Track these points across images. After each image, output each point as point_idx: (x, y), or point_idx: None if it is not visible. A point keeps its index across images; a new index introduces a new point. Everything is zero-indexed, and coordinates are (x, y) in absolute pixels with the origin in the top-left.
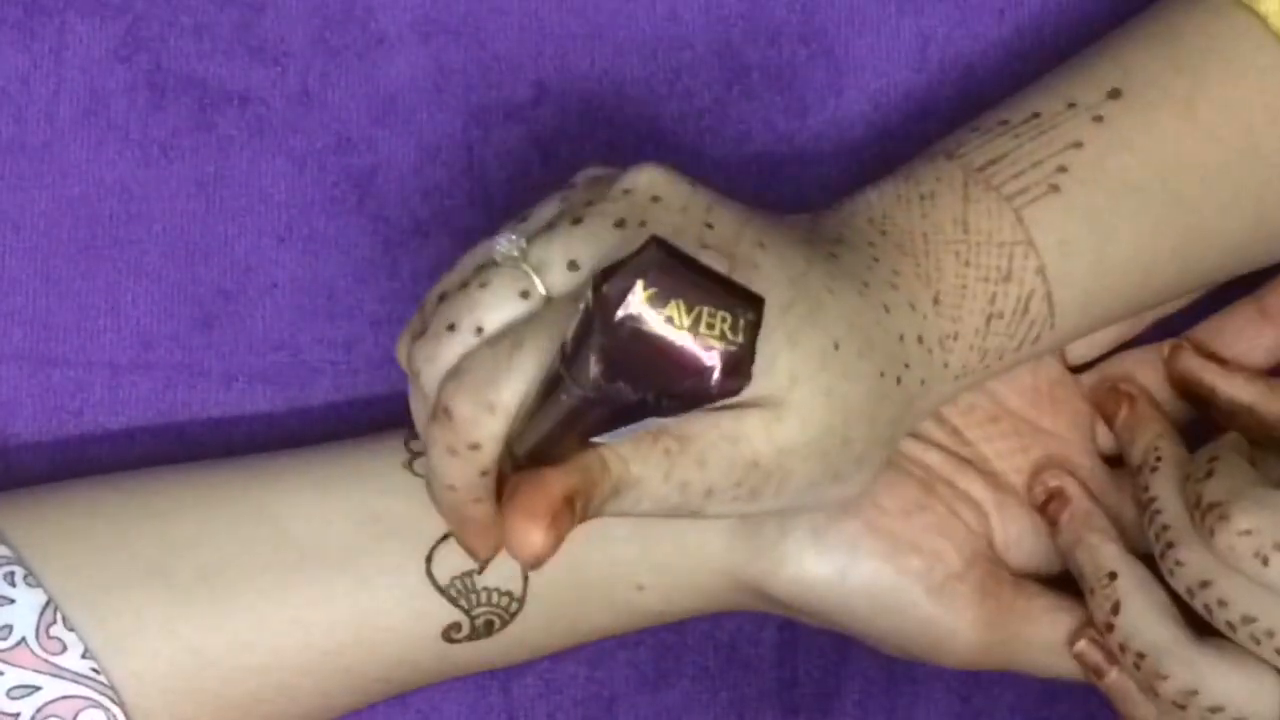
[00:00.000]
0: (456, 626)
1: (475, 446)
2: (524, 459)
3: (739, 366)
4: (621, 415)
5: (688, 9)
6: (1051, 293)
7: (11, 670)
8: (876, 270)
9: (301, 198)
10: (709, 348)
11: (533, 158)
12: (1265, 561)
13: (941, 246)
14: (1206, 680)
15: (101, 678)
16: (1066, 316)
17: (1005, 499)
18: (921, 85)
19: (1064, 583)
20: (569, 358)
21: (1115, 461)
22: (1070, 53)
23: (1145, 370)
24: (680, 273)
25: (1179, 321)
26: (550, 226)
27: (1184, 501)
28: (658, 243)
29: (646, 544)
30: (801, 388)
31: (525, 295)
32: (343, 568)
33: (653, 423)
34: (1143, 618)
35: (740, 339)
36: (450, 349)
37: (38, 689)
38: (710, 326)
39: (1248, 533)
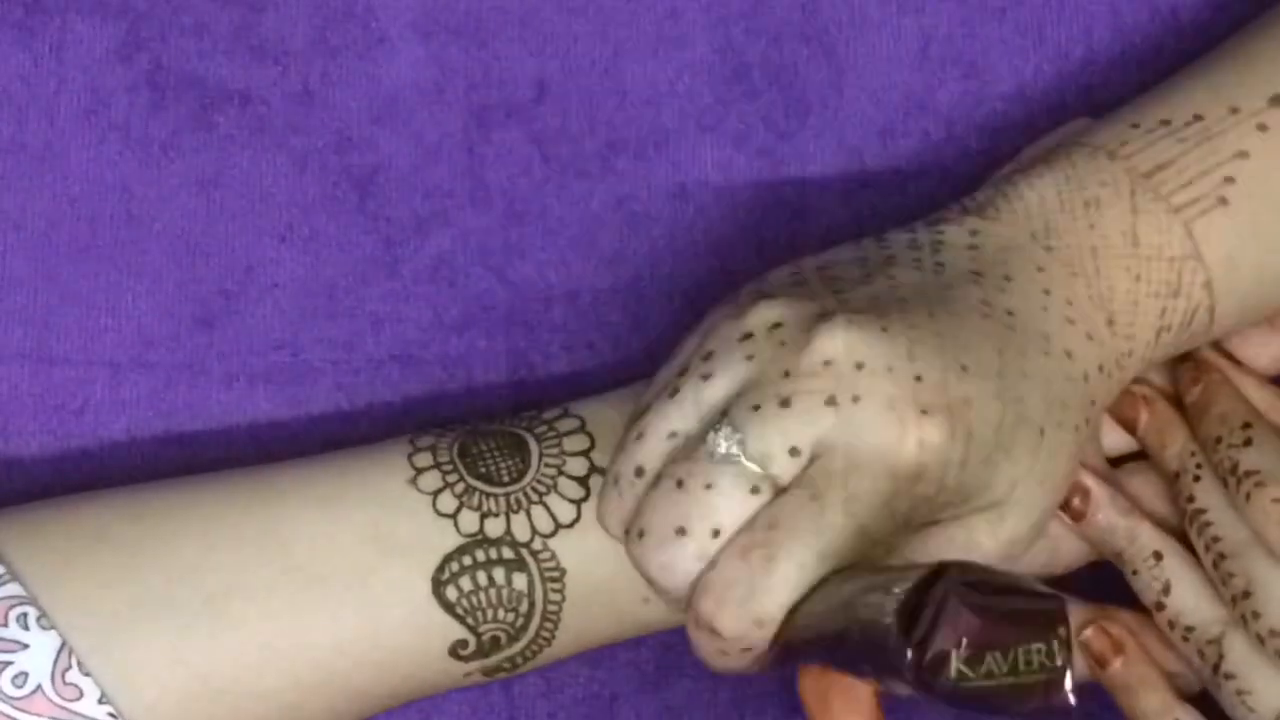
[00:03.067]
0: (464, 643)
1: (747, 650)
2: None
3: (1059, 685)
4: (885, 667)
5: (688, 8)
6: (1215, 305)
7: (28, 719)
8: (1052, 309)
9: (302, 197)
10: (1030, 686)
11: (533, 158)
12: None
13: (1112, 262)
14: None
15: None
16: (1223, 325)
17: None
18: (922, 85)
19: (1059, 583)
20: (883, 652)
21: (1113, 461)
22: (1071, 52)
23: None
24: (983, 609)
25: None
26: (757, 409)
27: (1214, 464)
28: (951, 586)
29: None
30: (1019, 486)
31: (755, 490)
32: (349, 588)
33: (900, 689)
34: (1194, 595)
35: (1058, 662)
36: (687, 556)
37: None
38: (1029, 664)
39: (1279, 500)
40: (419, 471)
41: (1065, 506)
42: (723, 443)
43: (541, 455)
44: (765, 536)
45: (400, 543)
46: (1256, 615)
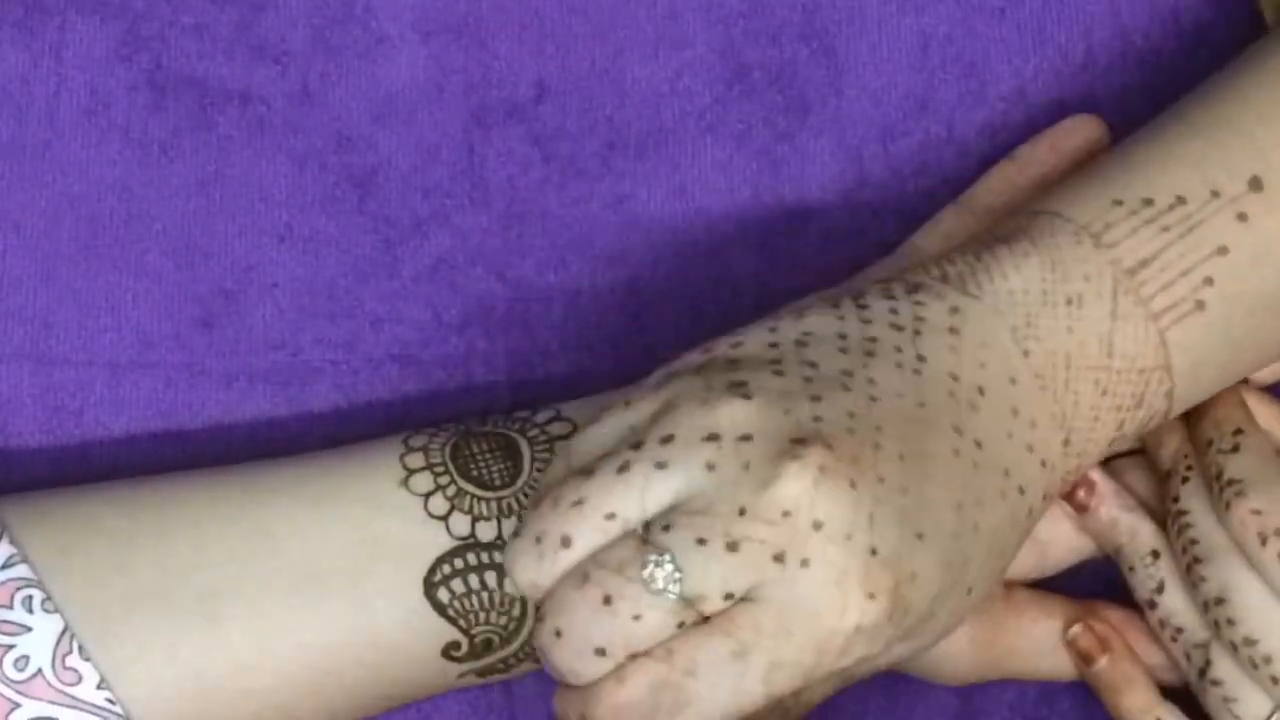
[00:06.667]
0: (456, 645)
1: None
2: None
3: None
4: None
5: (688, 8)
6: (1171, 410)
7: (29, 703)
8: (1016, 436)
9: (302, 197)
10: None
11: (533, 158)
12: (1264, 541)
13: (1083, 374)
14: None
15: (117, 708)
16: (1171, 417)
17: None
18: (922, 84)
19: (1048, 583)
20: None
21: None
22: (1071, 52)
23: None
24: None
25: None
26: (703, 544)
27: (1203, 467)
28: None
29: None
30: (961, 627)
31: (681, 625)
32: (342, 589)
33: None
34: (1185, 597)
35: None
36: (600, 670)
37: None
38: None
39: (1258, 512)
40: (411, 473)
41: (1070, 499)
42: (660, 581)
43: (534, 459)
44: (679, 681)
45: (392, 544)
46: (1230, 622)
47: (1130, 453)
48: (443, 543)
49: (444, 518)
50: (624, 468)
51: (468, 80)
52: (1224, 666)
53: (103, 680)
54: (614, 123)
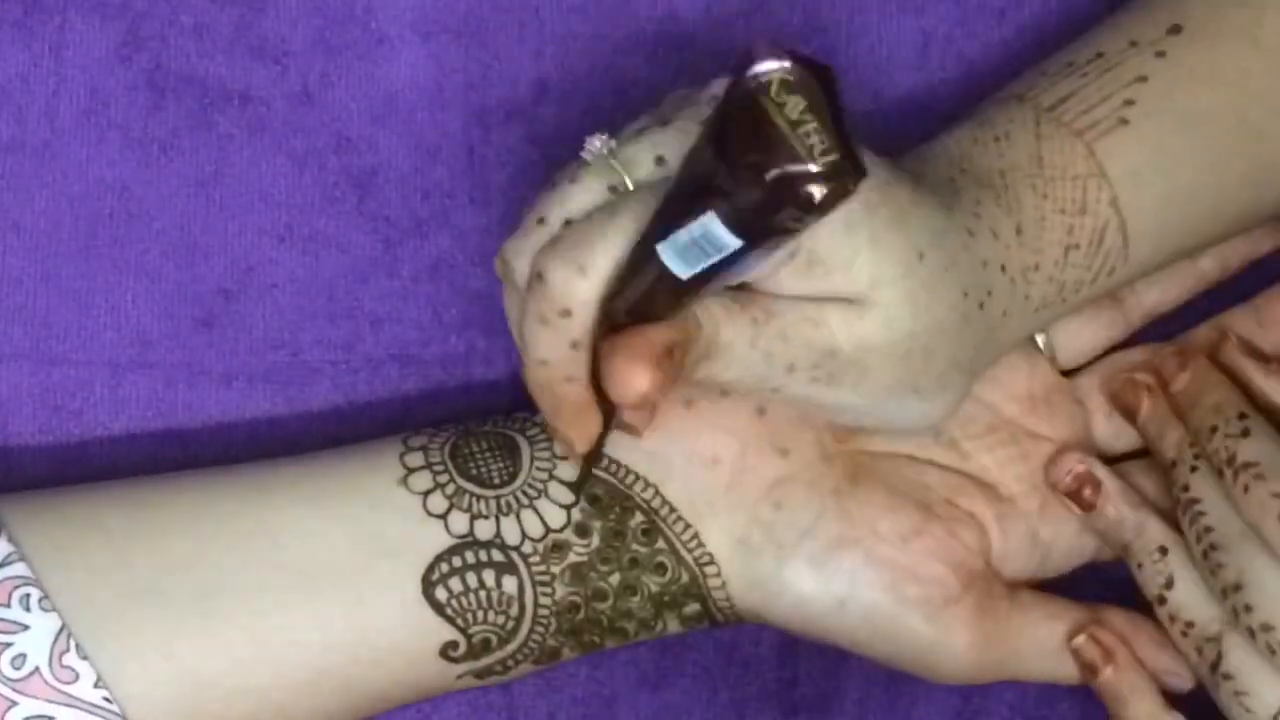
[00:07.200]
0: (454, 645)
1: (566, 313)
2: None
3: (829, 192)
4: (714, 246)
5: (688, 8)
6: (1125, 223)
7: (26, 701)
8: (960, 199)
9: (301, 197)
10: (808, 155)
11: (533, 158)
12: None
13: (1020, 181)
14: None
15: (114, 707)
16: (1140, 247)
17: (1004, 510)
18: (922, 84)
19: (1050, 585)
20: (685, 167)
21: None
22: None
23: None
24: (818, 93)
25: (1175, 324)
26: (640, 130)
27: (1209, 454)
28: (821, 65)
29: None
30: (884, 290)
31: (613, 190)
32: (339, 587)
33: (742, 268)
34: (1195, 591)
35: (833, 171)
36: (540, 240)
37: (51, 719)
38: (813, 146)
39: (1278, 495)
40: (410, 471)
41: (1076, 497)
42: (597, 143)
43: (533, 459)
44: (614, 201)
45: (390, 542)
46: (1249, 609)
47: (1135, 455)
48: (441, 541)
49: (443, 516)
50: (578, 169)
51: (468, 80)
52: (1235, 659)
53: (100, 679)
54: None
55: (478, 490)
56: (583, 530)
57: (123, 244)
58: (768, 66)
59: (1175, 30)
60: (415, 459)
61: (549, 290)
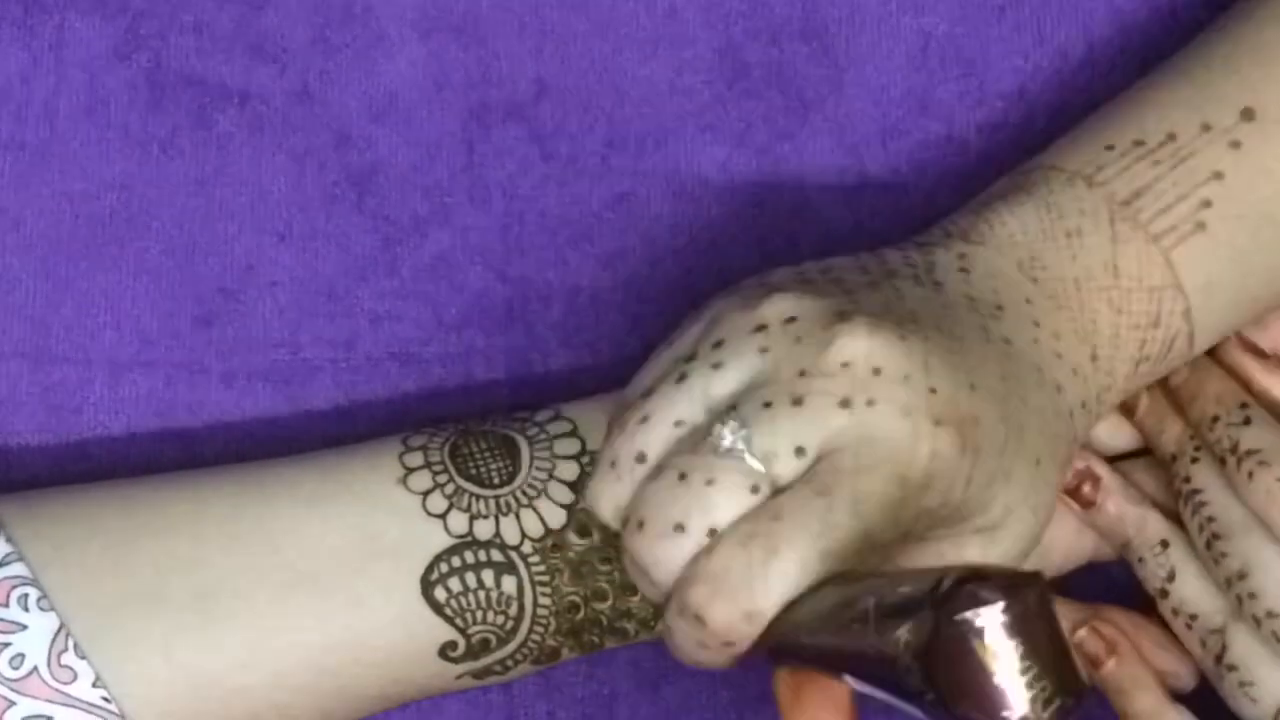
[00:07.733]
0: (453, 645)
1: (729, 645)
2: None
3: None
4: (891, 685)
5: (688, 7)
6: (1194, 333)
7: (24, 701)
8: (1043, 342)
9: (301, 195)
10: (1019, 701)
11: (533, 156)
12: None
13: (1095, 295)
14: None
15: (112, 706)
16: (1199, 348)
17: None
18: (922, 83)
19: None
20: (881, 614)
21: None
22: (1071, 52)
23: None
24: (1038, 625)
25: None
26: (769, 406)
27: (1210, 443)
28: (1039, 590)
29: None
30: (1014, 513)
31: (755, 490)
32: (338, 588)
33: (908, 709)
34: (1197, 584)
35: (1048, 716)
36: (682, 551)
37: (49, 719)
38: (1031, 687)
39: None
40: (410, 471)
41: (1075, 494)
42: (728, 436)
43: (533, 458)
44: (769, 528)
45: (389, 542)
46: (1254, 596)
47: (1135, 454)
48: (440, 540)
49: (442, 516)
50: (682, 377)
51: (467, 79)
52: (1240, 650)
53: (98, 678)
54: (613, 121)
55: (477, 490)
56: (583, 530)
57: (122, 243)
58: (980, 609)
59: (1249, 116)
60: (414, 459)
61: (714, 631)
